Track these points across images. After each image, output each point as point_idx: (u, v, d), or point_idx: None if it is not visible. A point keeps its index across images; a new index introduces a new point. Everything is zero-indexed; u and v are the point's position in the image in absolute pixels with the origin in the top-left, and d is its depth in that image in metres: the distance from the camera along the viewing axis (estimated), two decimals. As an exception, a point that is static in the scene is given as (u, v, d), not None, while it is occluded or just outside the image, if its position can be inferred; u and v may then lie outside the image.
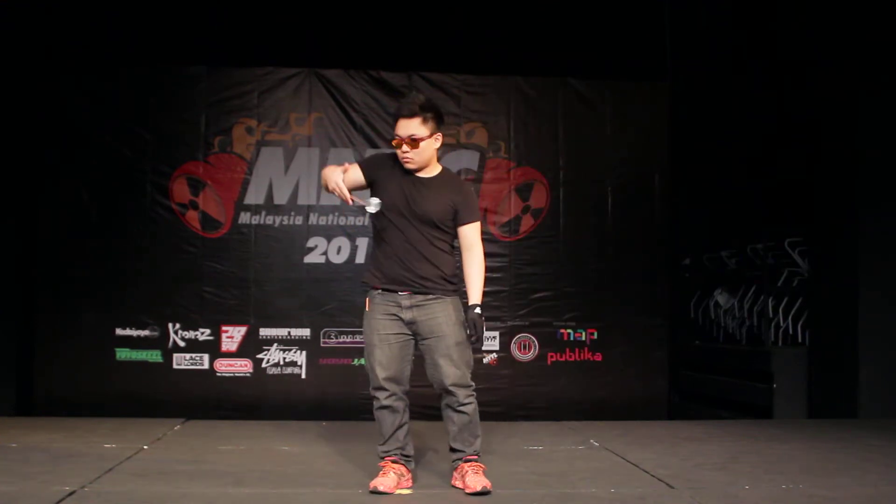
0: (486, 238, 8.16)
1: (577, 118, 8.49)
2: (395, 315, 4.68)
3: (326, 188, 4.69)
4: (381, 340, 4.69)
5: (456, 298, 4.77)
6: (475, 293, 4.73)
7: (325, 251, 8.23)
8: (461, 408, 4.67)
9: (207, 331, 8.08)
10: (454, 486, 4.74)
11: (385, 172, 4.71)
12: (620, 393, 8.31)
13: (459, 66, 8.47)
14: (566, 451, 5.99)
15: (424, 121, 4.60)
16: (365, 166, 4.77)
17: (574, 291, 8.34)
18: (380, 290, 4.73)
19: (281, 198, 8.23)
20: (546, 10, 8.60)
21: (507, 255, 8.35)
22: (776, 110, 9.22)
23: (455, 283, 4.77)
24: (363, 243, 8.24)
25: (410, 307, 4.66)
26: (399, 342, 4.70)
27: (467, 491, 4.55)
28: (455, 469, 4.78)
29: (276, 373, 8.11)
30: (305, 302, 8.19)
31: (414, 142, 4.58)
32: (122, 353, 8.00)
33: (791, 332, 8.95)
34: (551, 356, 8.33)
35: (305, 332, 8.16)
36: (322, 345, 8.16)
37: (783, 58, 8.92)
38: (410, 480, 4.77)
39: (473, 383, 4.73)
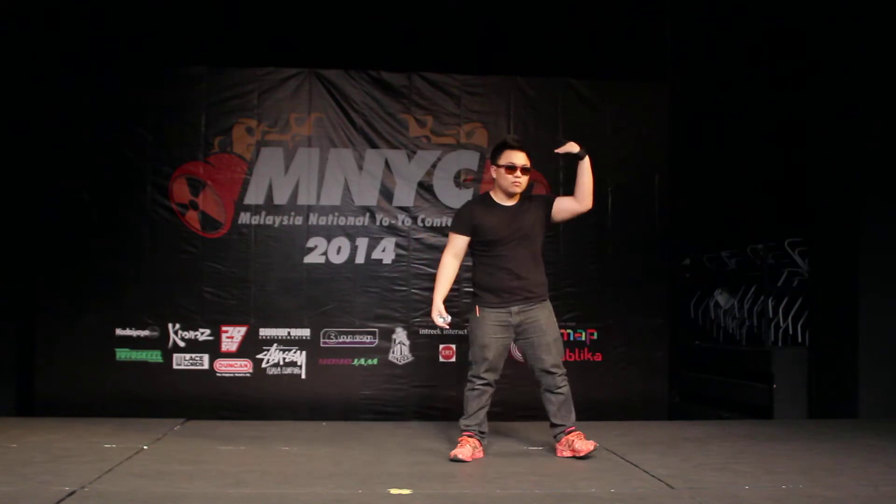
0: (486, 238, 8.18)
1: (577, 118, 8.49)
2: (505, 322, 5.67)
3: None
4: (492, 341, 5.67)
5: (548, 302, 5.81)
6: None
7: (325, 251, 8.24)
8: (559, 389, 5.68)
9: (207, 331, 8.08)
10: (562, 457, 5.64)
11: (479, 215, 5.73)
12: (620, 393, 8.31)
13: (459, 67, 8.47)
14: (566, 451, 5.98)
15: (528, 155, 5.76)
16: (463, 228, 5.77)
17: (574, 292, 8.34)
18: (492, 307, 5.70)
19: (281, 198, 8.23)
20: (546, 10, 8.60)
21: (508, 256, 8.34)
22: (776, 110, 9.22)
23: (546, 290, 5.83)
24: (363, 244, 8.25)
25: (519, 313, 5.67)
26: (504, 344, 5.73)
27: (579, 455, 5.53)
28: (559, 441, 5.70)
29: (276, 373, 8.11)
30: (305, 302, 8.19)
31: (525, 171, 5.71)
32: (123, 354, 8.00)
33: (791, 332, 8.94)
34: (551, 356, 8.31)
35: (305, 333, 8.16)
36: (322, 345, 8.17)
37: (784, 58, 8.91)
38: (482, 452, 5.70)
39: (565, 368, 5.74)
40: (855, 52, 7.94)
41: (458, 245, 5.76)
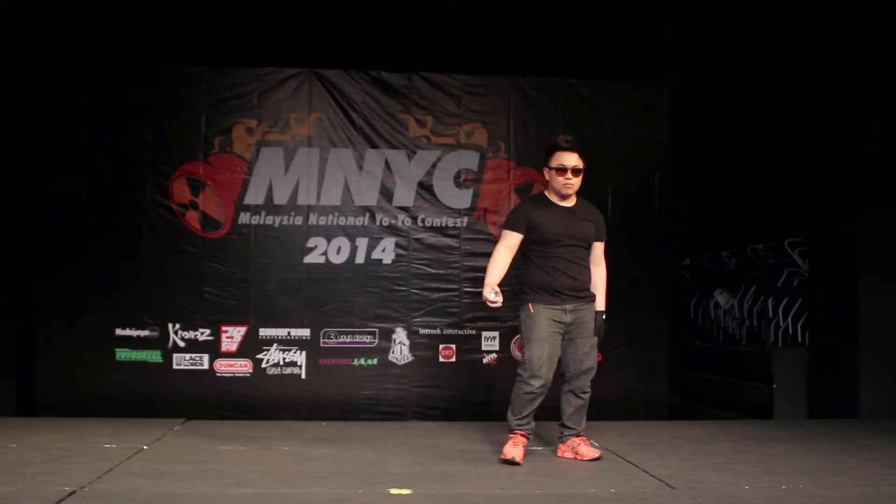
0: (486, 238, 8.22)
1: (577, 118, 8.48)
2: (559, 318, 5.62)
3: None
4: (547, 339, 5.59)
5: (593, 305, 5.79)
6: (602, 300, 5.83)
7: (325, 251, 8.23)
8: (583, 394, 5.74)
9: (207, 331, 8.08)
10: (561, 457, 5.74)
11: (535, 213, 5.69)
12: (621, 393, 8.30)
13: (459, 67, 8.47)
14: (566, 451, 5.98)
15: (580, 156, 5.67)
16: (517, 226, 5.71)
17: (574, 291, 8.33)
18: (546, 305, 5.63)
19: (281, 198, 8.23)
20: (546, 10, 8.60)
21: (508, 256, 8.34)
22: (776, 110, 9.22)
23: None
24: (363, 244, 8.25)
25: (572, 311, 5.65)
26: (557, 342, 5.65)
27: (584, 458, 5.60)
28: (564, 443, 5.78)
29: (275, 373, 8.11)
30: (305, 302, 8.18)
31: (576, 172, 5.65)
32: (122, 354, 8.00)
33: (791, 332, 8.95)
34: (551, 356, 8.32)
35: (305, 333, 8.16)
36: (322, 345, 8.16)
37: (783, 58, 8.91)
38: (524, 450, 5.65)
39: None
40: (855, 52, 7.94)
41: (511, 241, 5.71)
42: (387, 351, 8.22)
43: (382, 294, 8.26)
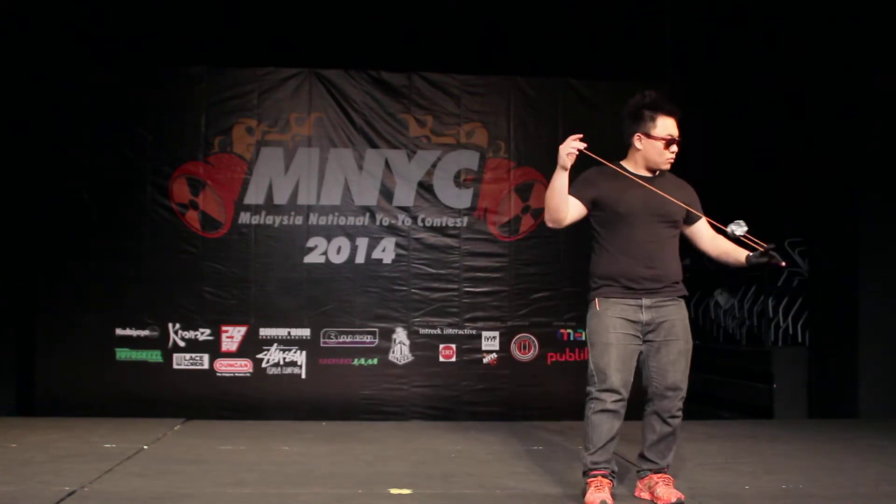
0: (486, 238, 8.21)
1: (577, 118, 8.46)
2: (633, 317, 4.42)
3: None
4: (619, 341, 4.39)
5: (684, 301, 4.58)
6: (742, 252, 4.53)
7: (325, 251, 8.23)
8: (671, 419, 4.46)
9: (207, 331, 8.08)
10: (639, 497, 4.56)
11: (606, 183, 4.57)
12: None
13: (460, 67, 8.47)
14: (566, 451, 5.99)
15: (678, 122, 4.57)
16: (582, 193, 4.60)
17: (574, 291, 8.31)
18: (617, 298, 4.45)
19: (281, 198, 8.23)
20: (547, 10, 8.59)
21: (507, 255, 8.36)
22: (776, 110, 9.21)
23: (684, 287, 4.60)
24: (363, 243, 8.25)
25: (650, 307, 4.43)
26: (633, 345, 4.42)
27: (660, 503, 4.39)
28: (641, 479, 4.58)
29: (276, 373, 8.11)
30: (305, 302, 8.19)
31: (679, 143, 4.55)
32: (123, 353, 8.00)
33: (791, 332, 8.94)
34: (551, 356, 8.33)
35: (305, 333, 8.16)
36: (322, 345, 8.16)
37: (783, 59, 8.91)
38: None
39: (685, 393, 4.51)
40: (855, 53, 7.94)
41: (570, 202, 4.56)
42: (387, 351, 8.22)
43: (382, 294, 8.26)
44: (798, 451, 6.00)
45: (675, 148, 4.51)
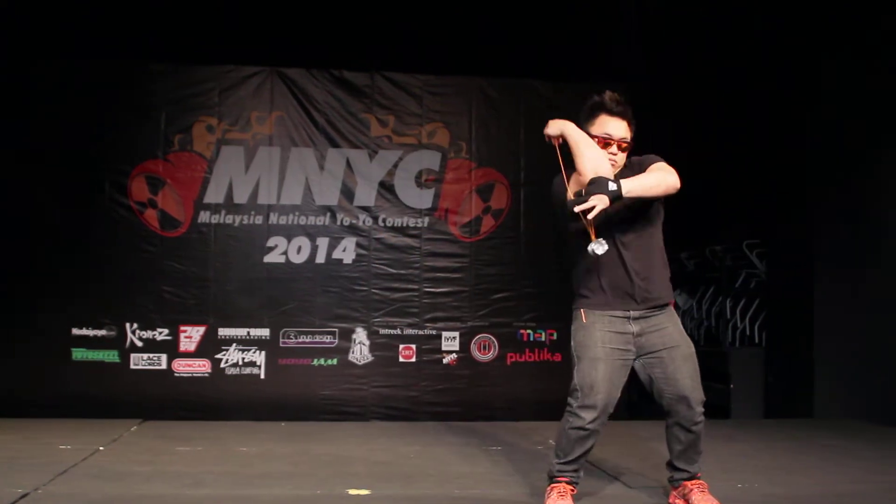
0: (447, 238, 8.22)
1: (538, 119, 8.40)
2: (622, 329, 4.22)
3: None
4: (608, 356, 4.18)
5: (672, 307, 4.41)
6: (634, 183, 4.06)
7: (286, 251, 8.20)
8: (694, 427, 4.30)
9: (165, 330, 8.02)
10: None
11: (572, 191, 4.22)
12: (580, 393, 8.33)
13: (422, 67, 8.48)
14: (526, 451, 6.00)
15: (630, 125, 4.34)
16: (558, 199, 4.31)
17: (534, 292, 8.37)
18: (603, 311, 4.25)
19: (241, 197, 8.19)
20: (509, 11, 8.61)
21: (468, 256, 8.37)
22: (735, 113, 9.30)
23: (672, 293, 4.42)
24: (323, 243, 8.23)
25: (639, 318, 4.23)
26: (623, 360, 4.23)
27: None
28: (675, 488, 4.44)
29: (234, 373, 8.07)
30: (265, 302, 8.15)
31: (624, 147, 4.30)
32: (79, 353, 7.92)
33: (748, 333, 9.03)
34: (511, 356, 8.35)
35: (265, 333, 8.12)
36: (281, 345, 8.13)
37: (743, 63, 9.00)
38: None
39: (704, 396, 4.37)
40: (811, 60, 8.04)
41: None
42: (347, 351, 8.20)
43: (343, 294, 8.25)
44: (754, 451, 6.05)
45: (613, 149, 4.26)
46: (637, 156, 4.41)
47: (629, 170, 4.30)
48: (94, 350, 7.94)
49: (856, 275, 7.83)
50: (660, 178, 4.17)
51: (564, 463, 4.24)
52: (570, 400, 4.23)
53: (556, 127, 4.36)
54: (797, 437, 6.65)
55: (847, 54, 7.88)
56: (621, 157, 4.31)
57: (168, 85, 8.16)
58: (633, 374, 4.35)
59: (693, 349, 4.37)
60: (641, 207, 4.24)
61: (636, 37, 9.06)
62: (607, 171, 4.09)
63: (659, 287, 4.29)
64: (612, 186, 3.97)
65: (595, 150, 4.20)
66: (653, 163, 4.31)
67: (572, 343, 4.32)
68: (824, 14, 7.86)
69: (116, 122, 8.08)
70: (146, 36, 8.16)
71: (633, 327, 4.22)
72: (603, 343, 4.18)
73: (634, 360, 4.29)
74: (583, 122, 4.38)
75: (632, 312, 4.22)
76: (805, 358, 7.91)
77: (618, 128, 4.29)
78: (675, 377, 4.24)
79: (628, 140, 4.30)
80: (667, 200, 4.43)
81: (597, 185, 3.98)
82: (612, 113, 4.30)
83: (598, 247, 4.00)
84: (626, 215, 4.21)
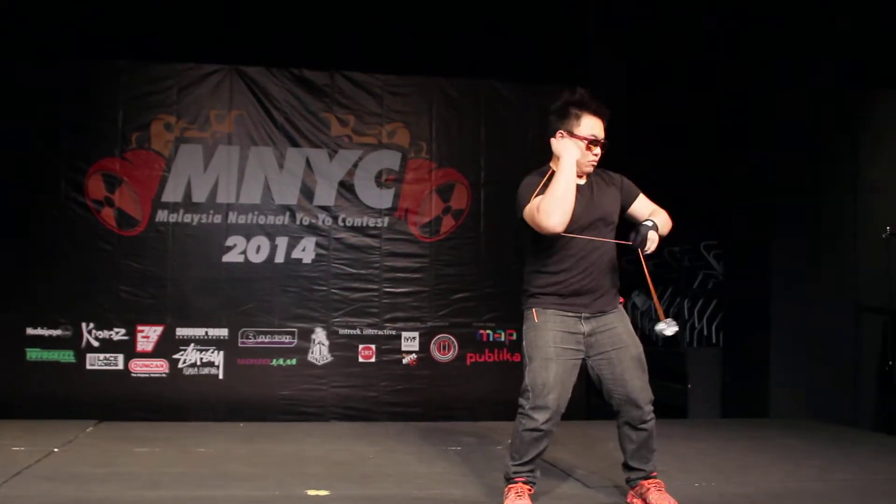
0: (407, 238, 8.21)
1: (499, 120, 8.55)
2: (574, 329, 4.27)
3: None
4: (559, 356, 4.20)
5: (622, 308, 4.47)
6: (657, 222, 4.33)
7: (244, 250, 8.15)
8: (643, 425, 4.35)
9: (122, 330, 7.93)
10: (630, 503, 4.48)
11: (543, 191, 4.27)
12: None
13: (382, 66, 8.46)
14: (485, 451, 6.02)
15: (605, 124, 4.36)
16: (532, 198, 4.31)
17: (494, 292, 8.38)
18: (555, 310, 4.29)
19: (199, 196, 8.12)
20: (470, 12, 8.62)
21: (428, 256, 8.37)
22: (693, 114, 9.37)
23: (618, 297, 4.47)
24: (283, 242, 8.19)
25: (590, 318, 4.28)
26: (574, 361, 4.26)
27: None
28: (633, 488, 4.46)
29: (192, 373, 8.00)
30: (223, 301, 8.09)
31: (604, 146, 4.32)
32: (33, 354, 7.80)
33: (706, 333, 9.12)
34: (470, 357, 8.37)
35: (223, 332, 8.06)
36: (240, 345, 8.08)
37: (703, 64, 9.07)
38: None
39: (652, 395, 4.42)
40: (771, 61, 8.13)
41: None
42: (306, 351, 8.17)
43: (302, 294, 8.21)
44: (711, 450, 6.12)
45: (598, 150, 4.31)
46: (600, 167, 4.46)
47: (600, 178, 4.44)
48: (49, 350, 7.84)
49: (811, 275, 7.94)
50: (667, 221, 4.50)
51: (520, 464, 4.25)
52: (521, 401, 4.23)
53: (561, 148, 4.28)
54: (754, 436, 6.73)
55: (803, 55, 7.98)
56: (599, 158, 4.36)
57: (125, 82, 8.06)
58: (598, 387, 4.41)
59: (641, 349, 4.38)
60: (611, 223, 4.38)
61: (596, 38, 9.10)
62: (570, 206, 4.15)
63: (609, 290, 4.36)
64: (649, 223, 4.30)
65: (572, 188, 4.19)
66: (635, 189, 4.51)
67: (524, 343, 4.35)
68: (780, 14, 7.95)
69: (73, 119, 7.97)
70: (104, 33, 8.05)
71: (584, 327, 4.27)
72: (555, 343, 4.22)
73: (586, 357, 4.32)
74: (562, 121, 4.35)
75: (583, 312, 4.27)
76: (761, 358, 8.00)
77: (601, 129, 4.32)
78: (624, 377, 4.28)
79: (605, 141, 4.35)
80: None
81: (644, 227, 4.26)
82: (596, 113, 4.31)
83: (668, 328, 4.17)
84: (587, 223, 4.29)
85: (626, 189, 4.47)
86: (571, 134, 4.29)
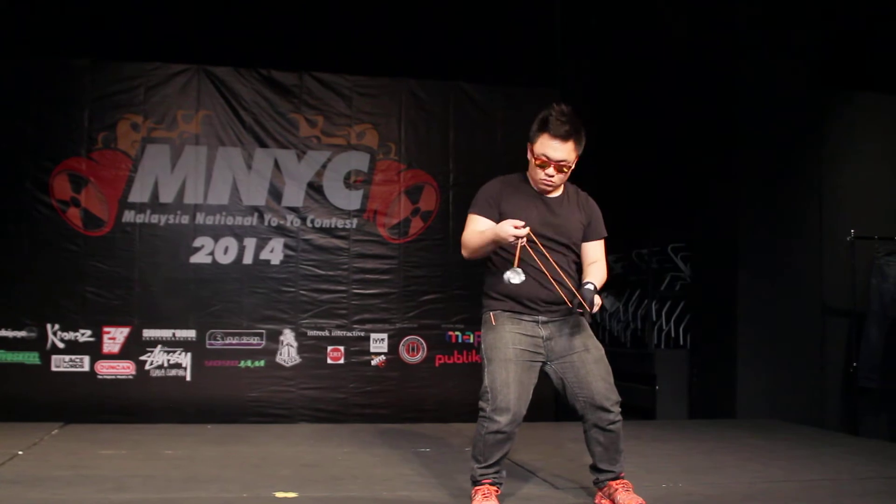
0: (375, 240, 8.20)
1: (468, 122, 8.57)
2: (532, 332, 4.31)
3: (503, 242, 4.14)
4: (518, 357, 4.24)
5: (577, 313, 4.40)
6: (594, 282, 4.29)
7: (212, 251, 8.10)
8: (611, 426, 4.36)
9: (88, 332, 7.86)
10: None
11: (509, 198, 4.36)
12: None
13: (351, 67, 8.45)
14: (454, 453, 6.02)
15: (577, 145, 4.31)
16: (486, 210, 4.37)
17: (462, 294, 8.38)
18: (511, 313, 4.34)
19: (167, 196, 8.06)
20: (439, 13, 8.63)
21: (397, 258, 8.37)
22: (662, 116, 9.44)
23: None
24: (251, 244, 8.15)
25: (547, 323, 4.31)
26: (532, 363, 4.30)
27: None
28: (601, 489, 4.49)
29: (159, 375, 7.94)
30: (191, 303, 8.03)
31: (562, 168, 4.30)
32: (-3, 355, 7.73)
33: (673, 335, 9.18)
34: (439, 358, 8.37)
35: (191, 334, 8.01)
36: (208, 346, 8.03)
37: (671, 64, 9.14)
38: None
39: (619, 396, 4.42)
40: (736, 63, 8.20)
41: (479, 227, 4.36)
42: (274, 352, 8.13)
43: (270, 295, 8.18)
44: (678, 451, 6.16)
45: (550, 171, 4.29)
46: (574, 183, 4.53)
47: (576, 200, 4.50)
48: (13, 352, 7.74)
49: (777, 277, 8.03)
50: (605, 277, 4.44)
51: (485, 466, 4.27)
52: (481, 404, 4.24)
53: (498, 227, 4.18)
54: (721, 437, 6.79)
55: (766, 56, 8.06)
56: (559, 178, 4.35)
57: (92, 81, 7.98)
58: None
59: (603, 351, 4.42)
60: (566, 235, 4.39)
61: (564, 40, 9.14)
62: (477, 255, 4.36)
63: (567, 294, 4.29)
64: (591, 287, 4.21)
65: (485, 247, 4.30)
66: (601, 231, 4.53)
67: (482, 346, 4.35)
68: (742, 16, 8.04)
69: (38, 118, 7.88)
70: (71, 32, 8.00)
71: (543, 331, 4.32)
72: (514, 344, 4.25)
73: (544, 364, 4.36)
74: (531, 133, 4.36)
75: (540, 317, 4.32)
76: (728, 360, 8.07)
77: (558, 150, 4.26)
78: (588, 380, 4.30)
79: (570, 162, 4.30)
80: (595, 203, 4.58)
81: (588, 292, 4.16)
82: (555, 135, 4.25)
83: (515, 276, 4.10)
84: (551, 236, 4.34)
85: (594, 226, 4.51)
86: (532, 146, 4.34)
